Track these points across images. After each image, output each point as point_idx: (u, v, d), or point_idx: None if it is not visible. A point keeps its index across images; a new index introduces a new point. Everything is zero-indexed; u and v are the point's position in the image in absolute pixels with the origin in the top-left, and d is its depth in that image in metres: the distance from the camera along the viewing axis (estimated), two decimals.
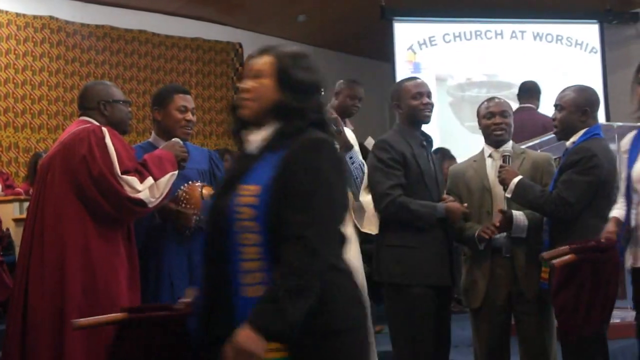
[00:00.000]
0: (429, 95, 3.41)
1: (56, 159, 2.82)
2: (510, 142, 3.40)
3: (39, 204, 2.82)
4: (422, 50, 7.77)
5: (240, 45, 7.95)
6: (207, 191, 3.03)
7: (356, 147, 3.39)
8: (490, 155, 3.39)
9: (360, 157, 3.41)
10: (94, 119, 2.94)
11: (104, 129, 2.81)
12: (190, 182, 3.07)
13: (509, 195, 3.18)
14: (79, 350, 2.66)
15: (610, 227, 2.98)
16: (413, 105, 3.36)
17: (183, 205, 3.00)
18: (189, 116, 3.17)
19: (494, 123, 3.37)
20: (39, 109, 6.48)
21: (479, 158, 3.43)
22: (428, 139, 3.47)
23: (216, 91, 7.87)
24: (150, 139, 3.26)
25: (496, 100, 3.43)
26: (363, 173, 3.23)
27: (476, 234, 3.26)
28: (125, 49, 7.11)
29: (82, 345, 2.67)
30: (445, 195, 3.36)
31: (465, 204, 3.30)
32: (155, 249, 3.05)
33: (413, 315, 3.25)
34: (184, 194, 3.02)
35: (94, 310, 2.68)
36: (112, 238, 2.80)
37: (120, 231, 2.84)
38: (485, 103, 3.44)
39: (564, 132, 3.25)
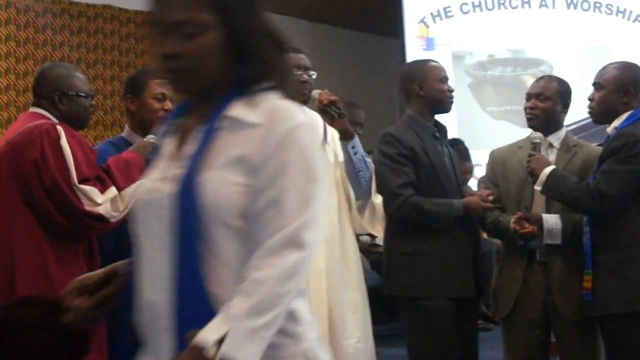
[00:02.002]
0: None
1: (3, 161, 2.76)
2: (563, 130, 3.43)
3: None
4: (436, 23, 7.76)
5: None
6: None
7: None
8: None
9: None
10: (46, 110, 2.88)
11: (59, 129, 2.76)
12: None
13: (538, 188, 3.20)
14: None
15: None
16: (440, 90, 3.44)
17: None
18: (168, 105, 3.12)
19: (527, 107, 3.42)
20: None
21: (525, 144, 3.46)
22: (442, 130, 3.51)
23: None
24: (123, 134, 3.23)
25: (542, 80, 3.49)
26: (367, 165, 3.23)
27: (511, 226, 3.25)
28: (88, 28, 7.01)
29: None
30: (482, 190, 3.42)
31: (489, 192, 3.33)
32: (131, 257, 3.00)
33: (430, 333, 3.28)
34: None
35: None
36: (71, 256, 2.76)
37: (80, 247, 2.80)
38: (533, 83, 3.51)
39: (601, 115, 3.27)
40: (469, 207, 3.29)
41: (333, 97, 3.12)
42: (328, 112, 3.12)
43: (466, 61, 7.85)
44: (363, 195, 3.25)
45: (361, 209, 3.28)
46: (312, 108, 3.24)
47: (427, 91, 3.42)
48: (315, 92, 3.17)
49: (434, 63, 3.54)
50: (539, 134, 3.35)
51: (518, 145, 3.50)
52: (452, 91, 3.46)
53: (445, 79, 3.45)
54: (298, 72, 3.15)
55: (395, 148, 3.34)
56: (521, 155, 3.41)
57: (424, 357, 3.33)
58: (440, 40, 7.70)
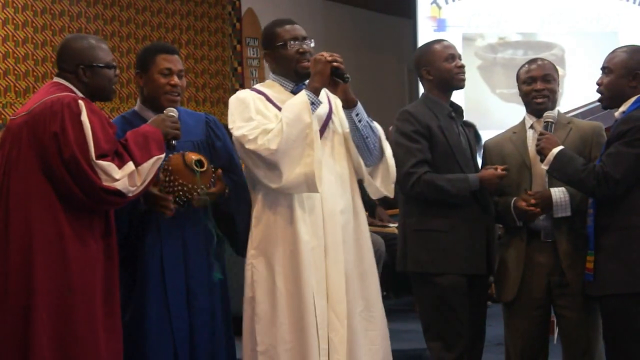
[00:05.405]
0: (460, 57, 3.49)
1: (23, 130, 2.77)
2: (556, 110, 3.42)
3: (3, 182, 2.78)
4: (448, 4, 7.76)
5: None
6: (190, 157, 3.00)
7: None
8: (532, 127, 3.41)
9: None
10: (70, 83, 2.88)
11: (81, 103, 2.75)
12: (171, 154, 3.02)
13: (545, 167, 3.20)
14: (47, 350, 2.65)
15: None
16: (447, 69, 3.44)
17: (168, 178, 2.97)
18: (175, 80, 3.10)
19: (534, 89, 3.40)
20: (5, 69, 6.41)
21: (519, 130, 3.47)
22: (458, 110, 3.53)
23: (210, 51, 7.82)
24: (135, 108, 3.22)
25: (539, 62, 3.47)
26: (373, 131, 3.13)
27: (512, 204, 3.28)
28: (105, 0, 7.03)
29: (50, 345, 2.66)
30: (488, 167, 3.40)
31: (503, 167, 3.32)
32: (144, 236, 3.04)
33: (443, 309, 3.33)
34: (166, 169, 2.99)
35: (65, 311, 2.70)
36: (86, 229, 2.78)
37: (96, 221, 2.82)
38: (526, 66, 3.47)
39: (610, 99, 3.24)
40: (484, 178, 3.31)
41: (336, 63, 2.98)
42: (332, 79, 3.00)
43: (477, 43, 7.85)
44: (374, 161, 3.16)
45: (374, 172, 3.19)
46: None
47: (435, 74, 3.44)
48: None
49: (437, 44, 3.51)
50: (551, 113, 3.33)
51: (512, 131, 3.50)
52: (461, 66, 3.44)
53: (451, 57, 3.43)
54: (295, 43, 3.08)
55: (412, 125, 3.36)
56: (516, 140, 3.42)
57: (437, 332, 3.37)
58: (452, 22, 7.70)
